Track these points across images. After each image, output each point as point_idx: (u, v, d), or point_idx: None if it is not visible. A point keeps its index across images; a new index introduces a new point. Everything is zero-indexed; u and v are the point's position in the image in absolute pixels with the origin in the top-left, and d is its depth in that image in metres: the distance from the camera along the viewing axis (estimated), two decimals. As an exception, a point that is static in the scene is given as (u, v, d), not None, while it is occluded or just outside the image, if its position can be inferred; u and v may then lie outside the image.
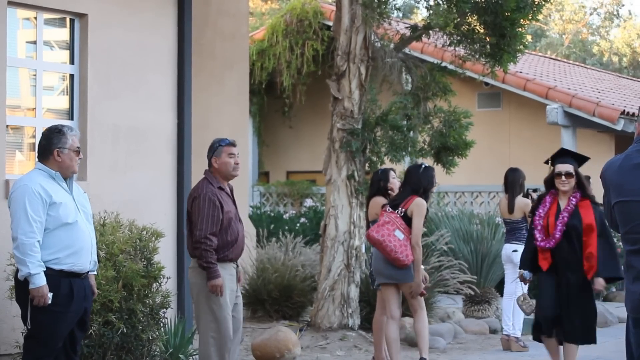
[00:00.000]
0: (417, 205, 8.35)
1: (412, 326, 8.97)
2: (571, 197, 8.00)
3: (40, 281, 5.99)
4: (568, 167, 8.04)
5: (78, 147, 6.27)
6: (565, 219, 7.90)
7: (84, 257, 6.20)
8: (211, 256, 6.93)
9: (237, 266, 7.25)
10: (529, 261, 8.17)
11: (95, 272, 6.57)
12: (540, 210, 8.06)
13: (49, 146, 6.20)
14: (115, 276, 7.49)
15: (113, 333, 7.45)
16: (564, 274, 7.93)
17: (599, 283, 7.94)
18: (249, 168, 14.97)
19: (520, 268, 8.37)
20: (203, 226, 6.95)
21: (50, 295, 6.01)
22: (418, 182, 8.46)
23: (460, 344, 10.92)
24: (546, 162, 8.40)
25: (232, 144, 7.25)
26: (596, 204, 7.90)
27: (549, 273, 7.99)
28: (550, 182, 8.17)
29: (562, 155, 8.26)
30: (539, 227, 8.00)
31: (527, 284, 8.42)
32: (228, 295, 7.04)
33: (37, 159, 6.34)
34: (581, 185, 8.06)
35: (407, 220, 8.33)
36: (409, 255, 8.24)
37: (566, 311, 7.92)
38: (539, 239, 7.97)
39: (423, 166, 8.63)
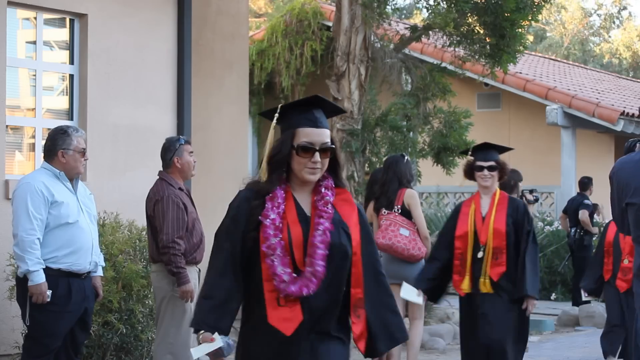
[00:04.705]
0: (411, 197, 8.32)
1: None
2: (322, 188, 3.84)
3: (38, 278, 6.00)
4: (325, 134, 3.83)
5: (83, 148, 6.26)
6: (328, 233, 3.75)
7: (82, 257, 6.19)
8: (180, 261, 6.54)
9: (200, 270, 6.86)
10: (216, 313, 3.75)
11: (101, 274, 6.57)
12: (274, 217, 3.77)
13: (54, 147, 6.21)
14: (114, 277, 7.48)
15: (112, 333, 7.44)
16: (316, 338, 3.74)
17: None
18: (248, 168, 14.93)
19: (196, 326, 3.78)
20: (169, 230, 6.54)
21: (49, 293, 6.02)
22: (404, 174, 8.43)
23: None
24: (266, 114, 4.03)
25: (189, 142, 6.94)
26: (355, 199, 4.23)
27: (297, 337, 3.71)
28: (280, 163, 3.85)
29: (310, 105, 3.86)
30: (280, 252, 3.71)
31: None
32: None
33: (43, 159, 6.37)
34: (334, 164, 3.90)
35: (406, 214, 8.31)
36: (422, 248, 8.26)
37: None
38: (284, 274, 3.67)
39: (406, 157, 8.63)
